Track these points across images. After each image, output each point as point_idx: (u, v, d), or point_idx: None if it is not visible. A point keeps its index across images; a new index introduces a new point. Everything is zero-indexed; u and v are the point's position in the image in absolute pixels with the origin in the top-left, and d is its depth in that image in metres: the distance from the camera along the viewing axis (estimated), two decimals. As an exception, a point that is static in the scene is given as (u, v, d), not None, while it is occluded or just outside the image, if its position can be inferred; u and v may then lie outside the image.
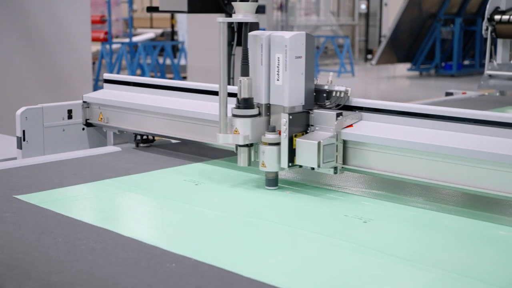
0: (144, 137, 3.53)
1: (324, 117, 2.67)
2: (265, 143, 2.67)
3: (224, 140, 2.72)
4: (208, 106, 3.14)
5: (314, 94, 2.75)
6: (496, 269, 1.93)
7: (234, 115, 2.71)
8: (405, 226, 2.31)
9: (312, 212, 2.48)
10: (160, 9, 4.67)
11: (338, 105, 2.72)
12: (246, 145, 2.73)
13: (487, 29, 5.71)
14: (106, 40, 12.29)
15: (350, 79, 14.87)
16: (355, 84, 14.28)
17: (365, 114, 2.71)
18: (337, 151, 2.64)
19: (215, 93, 3.15)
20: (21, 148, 3.40)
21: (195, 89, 3.30)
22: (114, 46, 12.82)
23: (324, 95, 2.76)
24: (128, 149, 3.52)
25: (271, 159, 2.67)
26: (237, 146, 2.75)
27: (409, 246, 2.11)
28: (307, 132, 2.69)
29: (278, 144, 2.66)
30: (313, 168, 2.62)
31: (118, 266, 1.90)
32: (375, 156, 2.61)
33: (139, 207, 2.59)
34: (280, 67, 2.65)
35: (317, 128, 2.69)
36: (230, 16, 4.64)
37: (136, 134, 3.53)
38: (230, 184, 2.83)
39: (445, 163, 2.42)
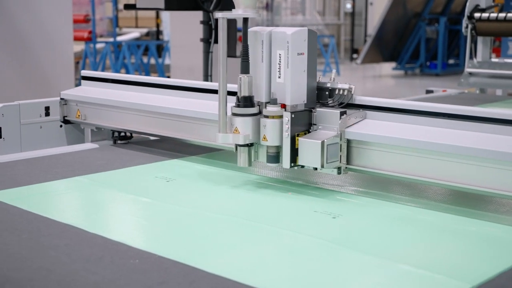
0: (122, 134, 3.51)
1: (328, 115, 2.58)
2: (267, 116, 2.56)
3: (224, 140, 2.61)
4: (186, 103, 3.13)
5: (316, 92, 2.66)
6: (462, 263, 1.92)
7: (234, 114, 2.60)
8: (376, 222, 2.30)
9: (281, 208, 2.46)
10: (138, 6, 4.64)
11: (341, 103, 2.64)
12: (246, 145, 2.61)
13: (467, 27, 5.71)
14: (90, 39, 12.21)
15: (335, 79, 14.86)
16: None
17: (369, 113, 2.63)
18: (341, 150, 2.55)
19: (192, 89, 3.17)
20: None
21: (172, 85, 3.29)
22: (98, 45, 12.75)
23: (327, 93, 2.66)
24: (105, 146, 3.49)
25: (273, 132, 2.55)
26: (237, 146, 2.63)
27: (378, 241, 2.10)
28: (310, 131, 2.60)
29: (280, 117, 2.55)
30: (316, 169, 2.54)
31: (80, 262, 1.87)
32: (380, 156, 2.52)
33: (107, 204, 2.57)
34: (281, 64, 2.55)
35: (320, 127, 2.60)
36: (208, 13, 4.66)
37: (113, 131, 3.51)
38: (201, 181, 2.81)
39: (452, 162, 2.35)
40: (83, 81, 3.71)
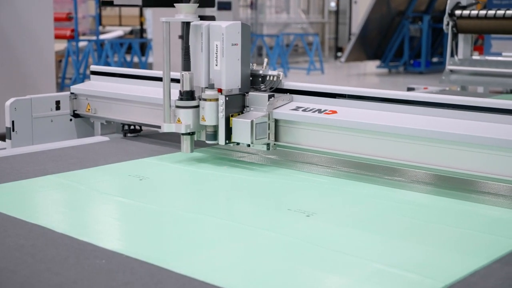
0: (132, 127, 3.60)
1: (258, 98, 2.92)
2: (205, 99, 2.87)
3: (168, 129, 2.93)
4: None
5: (251, 78, 2.99)
6: (435, 262, 1.89)
7: (178, 106, 2.91)
8: (349, 219, 2.27)
9: (255, 207, 2.43)
10: (115, 3, 4.57)
11: (271, 88, 2.97)
12: (188, 134, 2.92)
13: (448, 24, 5.70)
14: (73, 37, 12.12)
15: (319, 77, 14.84)
16: (325, 82, 14.27)
17: (296, 96, 2.97)
18: (269, 129, 2.88)
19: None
20: (10, 138, 3.45)
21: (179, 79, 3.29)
22: (81, 43, 12.65)
23: (260, 79, 3.00)
24: (116, 139, 3.55)
25: (210, 113, 2.88)
26: (181, 134, 2.93)
27: (350, 239, 2.07)
28: (243, 113, 2.91)
29: (216, 100, 2.87)
30: (248, 145, 2.85)
31: (45, 263, 1.83)
32: (304, 133, 2.85)
33: (79, 203, 2.50)
34: (218, 53, 2.88)
35: (252, 108, 2.93)
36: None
37: (123, 124, 3.60)
38: (186, 177, 2.82)
39: (366, 138, 2.69)
40: (92, 76, 3.80)
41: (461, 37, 5.88)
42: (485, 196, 2.54)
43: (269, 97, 2.89)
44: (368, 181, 2.70)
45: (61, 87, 11.63)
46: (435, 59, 15.80)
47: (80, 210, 2.40)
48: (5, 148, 3.41)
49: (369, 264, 1.86)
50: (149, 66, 12.85)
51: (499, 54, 6.66)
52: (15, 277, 1.73)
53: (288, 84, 2.98)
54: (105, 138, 3.56)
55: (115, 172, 2.89)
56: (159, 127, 3.37)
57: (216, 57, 2.88)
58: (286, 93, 2.97)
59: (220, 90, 2.88)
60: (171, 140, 3.40)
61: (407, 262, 1.87)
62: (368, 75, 15.65)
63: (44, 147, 3.32)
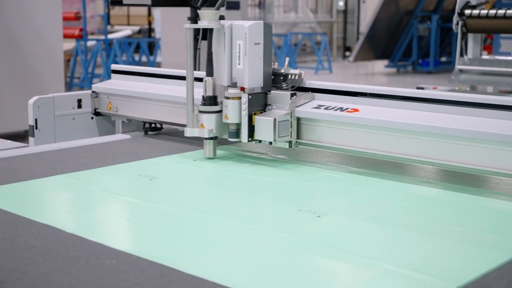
0: (153, 125, 3.64)
1: (280, 97, 2.95)
2: (227, 98, 2.91)
3: (191, 134, 2.98)
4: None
5: (273, 77, 3.03)
6: (447, 263, 1.87)
7: (200, 111, 2.97)
8: (360, 220, 2.25)
9: (264, 207, 2.42)
10: (124, 2, 4.58)
11: (293, 86, 3.00)
12: (211, 138, 2.98)
13: (457, 23, 5.67)
14: (81, 37, 12.13)
15: (327, 76, 14.81)
16: (334, 81, 14.18)
17: (317, 95, 3.00)
18: (291, 127, 2.91)
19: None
20: (33, 136, 3.50)
21: (199, 78, 3.27)
22: (89, 43, 12.66)
23: (281, 78, 3.04)
24: (138, 137, 3.60)
25: (233, 111, 2.92)
26: (204, 138, 2.99)
27: (362, 240, 2.06)
28: (265, 111, 2.94)
29: (239, 98, 2.91)
30: (270, 143, 2.90)
31: (55, 263, 1.82)
32: (325, 131, 2.89)
33: (89, 203, 2.50)
34: (241, 52, 2.93)
35: (274, 107, 2.96)
36: (195, 8, 4.60)
37: (144, 122, 3.63)
38: (200, 176, 2.83)
39: (387, 136, 2.72)
40: (112, 75, 3.84)
41: (470, 36, 5.85)
42: (498, 194, 2.53)
43: (291, 95, 2.93)
44: (379, 180, 2.70)
45: (69, 86, 11.65)
46: (443, 59, 15.76)
47: (90, 210, 2.39)
48: (27, 146, 3.45)
49: (380, 265, 1.84)
50: (157, 66, 12.85)
51: (508, 54, 6.65)
52: (26, 277, 1.73)
53: (310, 82, 3.02)
54: (126, 136, 3.60)
55: (134, 171, 2.88)
56: (179, 125, 3.49)
57: (239, 56, 2.93)
58: (307, 91, 3.01)
59: (242, 89, 2.92)
60: (192, 138, 3.40)
61: (418, 263, 1.86)
62: (376, 74, 15.62)
63: (66, 145, 3.37)
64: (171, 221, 2.23)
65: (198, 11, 3.03)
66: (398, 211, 2.34)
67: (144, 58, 13.37)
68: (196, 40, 4.83)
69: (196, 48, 4.89)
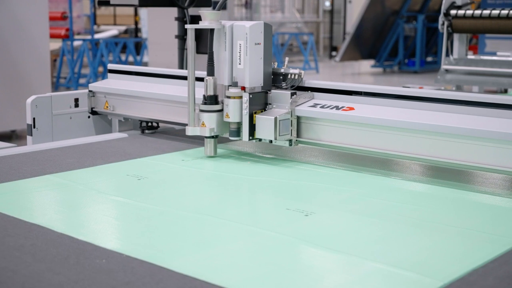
0: (149, 124, 3.68)
1: (280, 96, 3.00)
2: (229, 97, 2.94)
3: (193, 132, 3.02)
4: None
5: (272, 76, 3.07)
6: (433, 260, 1.90)
7: (201, 110, 3.00)
8: (347, 219, 2.28)
9: (254, 206, 2.44)
10: (112, 2, 4.58)
11: (293, 86, 3.03)
12: (212, 137, 3.03)
13: (443, 24, 5.72)
14: (68, 36, 12.09)
15: (314, 76, 14.84)
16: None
17: (316, 94, 3.03)
18: (291, 125, 2.95)
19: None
20: (31, 135, 3.54)
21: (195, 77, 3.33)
22: (76, 43, 12.62)
23: (281, 77, 3.07)
24: (134, 136, 3.64)
25: (234, 110, 2.96)
26: (205, 137, 3.04)
27: (348, 239, 2.08)
28: (266, 110, 3.00)
29: (240, 97, 2.95)
30: (271, 141, 2.94)
31: (45, 262, 1.83)
32: (325, 130, 2.93)
33: (79, 202, 2.50)
34: (241, 52, 2.96)
35: (274, 106, 3.00)
36: (183, 9, 4.61)
37: (141, 121, 3.67)
38: (186, 176, 2.82)
39: (384, 134, 2.77)
40: (109, 74, 3.88)
41: (456, 36, 5.90)
42: (484, 192, 2.57)
43: (292, 94, 2.96)
44: (366, 178, 2.73)
45: (55, 86, 11.61)
46: (429, 59, 15.84)
47: (79, 209, 2.40)
48: (15, 146, 3.45)
49: (368, 263, 1.86)
50: (144, 66, 12.82)
51: (493, 53, 6.69)
52: (16, 276, 1.74)
53: (309, 82, 3.07)
54: (124, 135, 3.64)
55: (129, 170, 2.89)
56: (176, 123, 3.54)
57: (240, 56, 2.96)
58: (307, 90, 3.05)
59: (243, 88, 2.96)
60: (188, 136, 3.44)
61: (405, 261, 1.88)
62: (362, 74, 15.68)
63: (64, 144, 3.41)
64: (161, 220, 2.24)
65: (199, 11, 3.05)
66: (388, 209, 2.36)
67: (131, 58, 13.35)
68: (183, 40, 4.87)
69: (183, 48, 4.93)
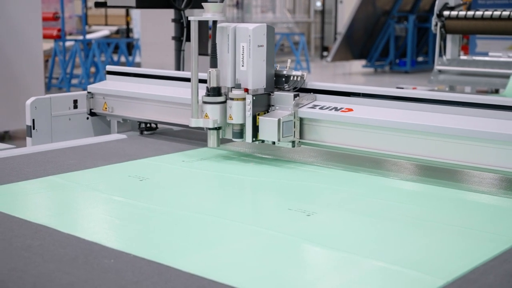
0: (148, 125, 3.71)
1: (283, 98, 3.02)
2: (232, 99, 2.97)
3: (196, 124, 3.04)
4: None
5: (274, 78, 3.09)
6: (435, 259, 1.93)
7: (205, 102, 3.02)
8: (349, 218, 2.31)
9: (257, 206, 2.47)
10: (108, 4, 4.60)
11: (295, 87, 3.06)
12: (215, 128, 3.04)
13: (436, 24, 5.77)
14: (59, 37, 12.08)
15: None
16: (311, 81, 14.22)
17: (319, 95, 3.07)
18: (294, 127, 2.98)
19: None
20: (30, 136, 3.56)
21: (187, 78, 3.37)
22: (68, 43, 12.61)
23: (283, 79, 3.10)
24: (133, 137, 3.67)
25: (237, 112, 2.98)
26: (207, 129, 3.06)
27: (351, 238, 2.11)
28: (269, 111, 3.02)
29: (243, 99, 2.97)
30: (273, 143, 2.97)
31: (54, 263, 1.86)
32: (327, 131, 2.96)
33: (83, 203, 2.53)
34: (244, 54, 2.98)
35: (277, 107, 3.04)
36: (179, 11, 4.64)
37: (140, 122, 3.70)
38: (188, 177, 2.84)
39: (385, 135, 2.80)
40: (107, 76, 3.91)
41: (449, 37, 5.96)
42: (483, 191, 2.61)
43: (294, 96, 2.99)
44: (366, 178, 2.77)
45: (48, 87, 11.59)
46: (420, 59, 15.90)
47: (83, 210, 2.43)
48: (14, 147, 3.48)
49: (370, 262, 1.90)
50: (136, 66, 12.83)
51: (485, 54, 6.74)
52: (26, 276, 1.76)
53: (312, 84, 3.09)
54: (123, 136, 3.66)
55: (129, 171, 2.91)
56: (174, 124, 3.56)
57: (243, 58, 2.98)
58: (309, 92, 3.07)
59: (246, 90, 2.98)
60: (187, 137, 3.56)
61: (407, 260, 1.92)
62: (354, 74, 15.73)
63: (64, 145, 3.43)
64: (165, 221, 2.27)
65: (202, 3, 3.05)
66: (388, 209, 2.40)
67: (123, 59, 13.35)
68: (180, 41, 4.89)
69: (179, 50, 4.96)
